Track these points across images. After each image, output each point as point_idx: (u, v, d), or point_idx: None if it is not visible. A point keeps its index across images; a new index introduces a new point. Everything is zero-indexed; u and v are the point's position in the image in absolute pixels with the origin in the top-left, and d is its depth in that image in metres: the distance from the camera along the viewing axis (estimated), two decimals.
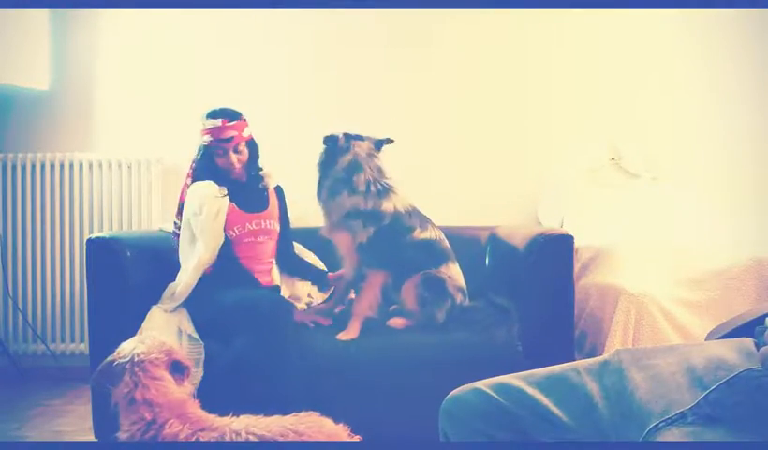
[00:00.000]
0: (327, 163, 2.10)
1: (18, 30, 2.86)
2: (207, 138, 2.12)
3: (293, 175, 2.33)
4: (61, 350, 2.91)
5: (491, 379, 1.07)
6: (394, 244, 2.07)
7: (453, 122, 2.98)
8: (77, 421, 2.37)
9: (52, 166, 2.90)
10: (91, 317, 2.05)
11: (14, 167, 2.90)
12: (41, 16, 2.96)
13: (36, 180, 2.90)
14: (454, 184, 2.94)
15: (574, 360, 1.59)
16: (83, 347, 2.89)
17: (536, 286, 2.01)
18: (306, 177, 2.16)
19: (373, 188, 2.07)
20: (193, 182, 2.16)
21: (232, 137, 2.11)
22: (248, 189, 2.19)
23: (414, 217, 2.12)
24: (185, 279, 2.04)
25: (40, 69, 2.96)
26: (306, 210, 2.35)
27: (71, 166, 2.91)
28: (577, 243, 2.06)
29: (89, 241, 2.02)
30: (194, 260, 2.05)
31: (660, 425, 0.88)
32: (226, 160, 2.13)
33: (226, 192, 2.13)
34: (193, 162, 2.20)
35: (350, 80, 2.98)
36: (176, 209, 2.24)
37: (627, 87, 2.97)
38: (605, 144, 2.89)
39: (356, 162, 2.07)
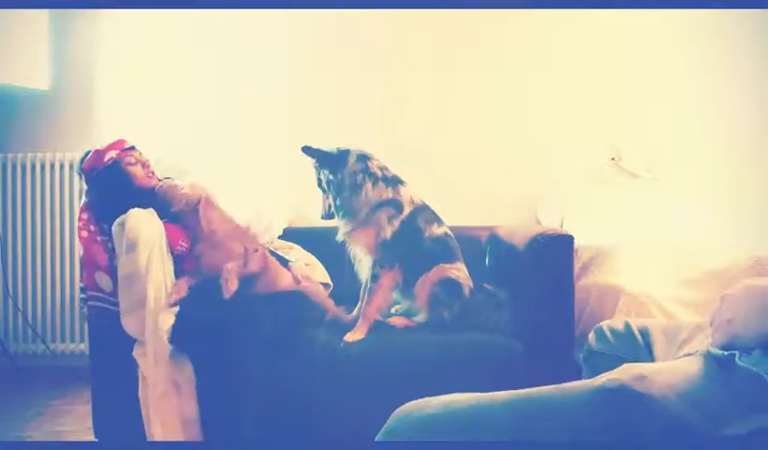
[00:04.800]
0: (338, 167, 2.06)
1: (18, 30, 2.86)
2: (112, 154, 2.04)
3: (294, 174, 2.33)
4: (61, 350, 2.91)
5: (638, 320, 1.44)
6: (413, 241, 2.06)
7: (453, 122, 2.98)
8: (77, 421, 2.37)
9: (52, 166, 2.90)
10: (90, 317, 2.05)
11: (14, 167, 2.90)
12: (41, 16, 2.96)
13: (36, 180, 2.90)
14: (454, 184, 2.93)
15: (574, 360, 1.63)
16: (83, 347, 2.89)
17: (536, 286, 2.01)
18: (306, 177, 2.16)
19: (387, 174, 2.08)
20: (99, 224, 2.00)
21: (134, 146, 2.10)
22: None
23: (429, 212, 2.13)
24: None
25: (40, 69, 2.96)
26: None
27: (71, 166, 2.91)
28: (577, 243, 2.06)
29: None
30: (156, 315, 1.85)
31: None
32: (142, 166, 2.07)
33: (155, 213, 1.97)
34: (86, 205, 2.04)
35: (350, 81, 2.97)
36: (85, 274, 1.99)
37: (628, 87, 2.97)
38: (605, 144, 2.89)
39: (363, 154, 2.08)
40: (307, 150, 2.07)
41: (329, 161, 2.06)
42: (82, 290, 2.01)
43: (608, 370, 1.30)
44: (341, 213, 2.07)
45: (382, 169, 2.08)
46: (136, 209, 1.94)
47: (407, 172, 2.17)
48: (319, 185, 2.11)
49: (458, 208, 2.76)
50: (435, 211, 2.17)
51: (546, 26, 2.97)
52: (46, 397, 2.66)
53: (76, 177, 2.91)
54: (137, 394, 1.88)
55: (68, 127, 3.00)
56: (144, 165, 2.11)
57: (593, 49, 2.98)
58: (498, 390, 1.87)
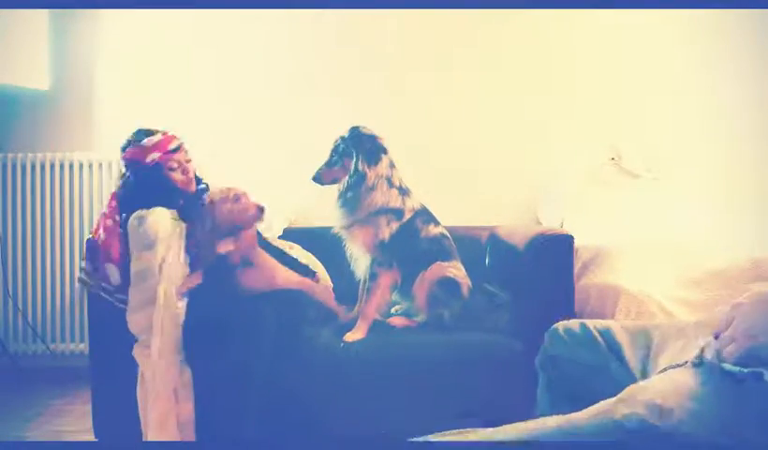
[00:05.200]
0: (371, 158, 2.05)
1: (18, 30, 2.86)
2: (154, 156, 1.99)
3: (294, 174, 2.33)
4: (61, 350, 2.91)
5: (596, 321, 1.38)
6: (411, 241, 2.07)
7: (453, 122, 2.98)
8: (77, 421, 2.37)
9: (52, 166, 2.90)
10: (91, 317, 2.05)
11: (14, 167, 2.90)
12: (41, 16, 2.96)
13: (36, 180, 2.90)
14: (454, 184, 2.93)
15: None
16: (83, 347, 2.89)
17: (536, 286, 2.01)
18: (306, 177, 2.15)
19: (402, 185, 2.10)
20: (125, 214, 1.95)
21: (179, 146, 2.05)
22: (193, 210, 2.05)
23: (426, 213, 2.14)
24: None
25: (40, 69, 2.96)
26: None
27: (71, 166, 2.91)
28: (577, 243, 2.06)
29: (89, 241, 2.02)
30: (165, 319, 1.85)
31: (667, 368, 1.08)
32: (182, 172, 2.04)
33: (177, 215, 1.98)
34: (119, 193, 2.02)
35: (349, 81, 2.97)
36: (101, 260, 1.94)
37: (627, 87, 2.97)
38: (605, 144, 2.89)
39: (392, 162, 2.09)
40: (357, 132, 2.06)
41: (371, 152, 2.05)
42: (88, 274, 1.97)
43: (567, 376, 1.26)
44: (343, 203, 2.07)
45: (400, 179, 2.10)
46: (158, 208, 1.94)
47: (407, 172, 2.17)
48: (337, 161, 2.07)
49: (458, 208, 2.77)
50: (433, 212, 2.18)
51: (545, 26, 2.96)
52: (46, 397, 2.66)
53: (76, 177, 2.91)
54: (136, 394, 1.88)
55: (68, 127, 3.00)
56: (185, 170, 2.06)
57: (593, 49, 2.98)
58: (498, 390, 1.87)
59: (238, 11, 2.92)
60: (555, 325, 1.42)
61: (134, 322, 1.89)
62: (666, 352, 1.18)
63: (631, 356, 1.24)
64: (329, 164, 2.10)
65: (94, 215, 2.91)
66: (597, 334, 1.31)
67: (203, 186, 2.16)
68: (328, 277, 2.33)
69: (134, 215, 1.92)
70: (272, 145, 2.95)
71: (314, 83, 2.97)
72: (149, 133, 2.04)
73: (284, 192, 2.65)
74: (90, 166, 2.91)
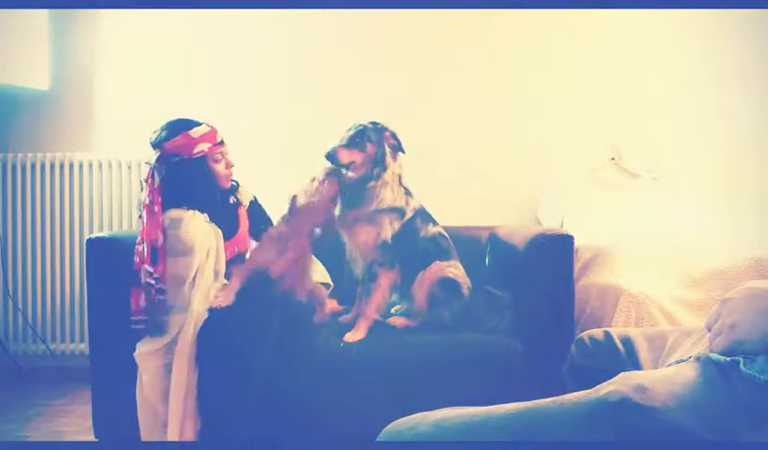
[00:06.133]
0: (394, 154, 2.06)
1: (18, 30, 2.86)
2: (203, 147, 1.91)
3: (294, 175, 2.32)
4: (61, 350, 2.91)
5: (619, 329, 1.40)
6: (410, 241, 2.07)
7: (453, 122, 2.98)
8: (77, 421, 2.38)
9: (53, 166, 2.91)
10: (91, 317, 2.05)
11: (14, 167, 2.90)
12: (41, 16, 2.96)
13: (36, 180, 2.90)
14: (455, 184, 2.94)
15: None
16: (83, 347, 2.89)
17: (536, 286, 2.01)
18: (307, 177, 2.15)
19: (406, 185, 2.11)
20: (168, 209, 1.88)
21: (223, 139, 1.99)
22: (222, 207, 2.02)
23: (424, 213, 2.15)
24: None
25: (40, 69, 2.97)
26: None
27: (71, 166, 2.91)
28: (577, 243, 2.06)
29: (89, 241, 2.02)
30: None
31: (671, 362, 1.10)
32: (226, 165, 2.00)
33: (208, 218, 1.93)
34: (158, 185, 1.87)
35: (350, 81, 2.98)
36: (147, 254, 1.82)
37: (628, 87, 2.97)
38: (605, 144, 2.89)
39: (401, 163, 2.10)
40: (382, 127, 2.05)
41: (394, 148, 2.06)
42: (154, 276, 1.84)
43: (592, 383, 1.29)
44: (350, 199, 2.06)
45: (405, 180, 2.11)
46: (193, 213, 1.90)
47: (407, 172, 2.17)
48: (360, 144, 2.01)
49: (458, 208, 2.77)
50: (433, 212, 2.18)
51: (546, 26, 2.97)
52: (46, 397, 2.66)
53: (76, 177, 2.91)
54: (136, 395, 1.88)
55: (68, 127, 3.00)
56: (228, 164, 2.02)
57: (593, 49, 2.98)
58: (498, 390, 1.88)
59: (238, 11, 2.92)
60: (581, 335, 1.45)
61: (173, 323, 1.85)
62: (676, 353, 1.20)
63: (646, 360, 1.27)
64: (349, 145, 2.00)
65: (94, 215, 2.92)
66: (618, 341, 1.35)
67: (234, 183, 2.13)
68: (328, 277, 2.33)
69: (167, 214, 1.88)
70: (271, 145, 2.95)
71: (314, 83, 2.98)
72: (188, 124, 1.93)
73: (283, 192, 2.65)
74: (90, 166, 2.91)
